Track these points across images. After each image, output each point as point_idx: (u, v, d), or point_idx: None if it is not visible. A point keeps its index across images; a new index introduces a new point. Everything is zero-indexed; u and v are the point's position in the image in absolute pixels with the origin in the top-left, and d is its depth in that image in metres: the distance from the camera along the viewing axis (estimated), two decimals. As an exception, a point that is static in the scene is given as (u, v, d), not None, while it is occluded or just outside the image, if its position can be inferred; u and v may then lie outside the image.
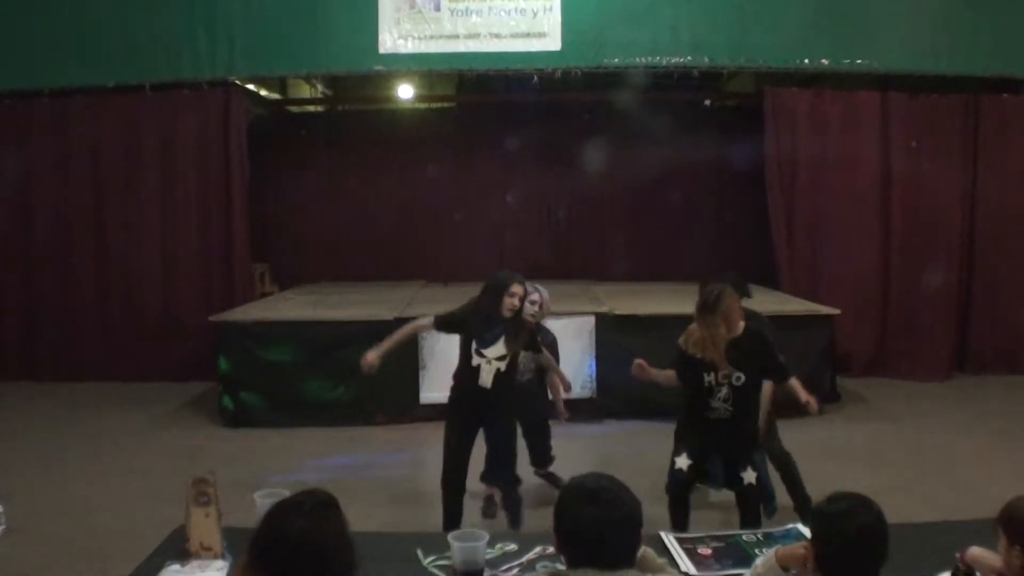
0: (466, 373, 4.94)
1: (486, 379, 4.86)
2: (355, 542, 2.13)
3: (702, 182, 11.92)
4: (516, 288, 4.82)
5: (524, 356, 5.45)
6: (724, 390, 4.52)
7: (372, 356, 4.98)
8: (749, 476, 4.58)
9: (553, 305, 8.57)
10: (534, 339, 5.25)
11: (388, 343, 5.09)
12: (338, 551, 2.07)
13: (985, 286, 10.13)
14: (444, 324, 5.10)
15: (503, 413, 5.06)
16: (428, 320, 5.16)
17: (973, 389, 9.45)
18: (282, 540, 2.03)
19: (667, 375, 4.72)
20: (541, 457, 6.18)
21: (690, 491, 4.69)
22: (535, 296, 5.48)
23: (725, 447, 4.61)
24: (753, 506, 4.64)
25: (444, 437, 5.06)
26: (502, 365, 4.89)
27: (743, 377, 4.50)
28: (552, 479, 6.10)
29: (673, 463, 4.64)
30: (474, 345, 4.87)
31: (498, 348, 4.86)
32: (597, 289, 9.90)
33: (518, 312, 4.90)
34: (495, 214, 12.21)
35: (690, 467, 4.56)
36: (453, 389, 5.11)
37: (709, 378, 4.52)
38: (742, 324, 4.62)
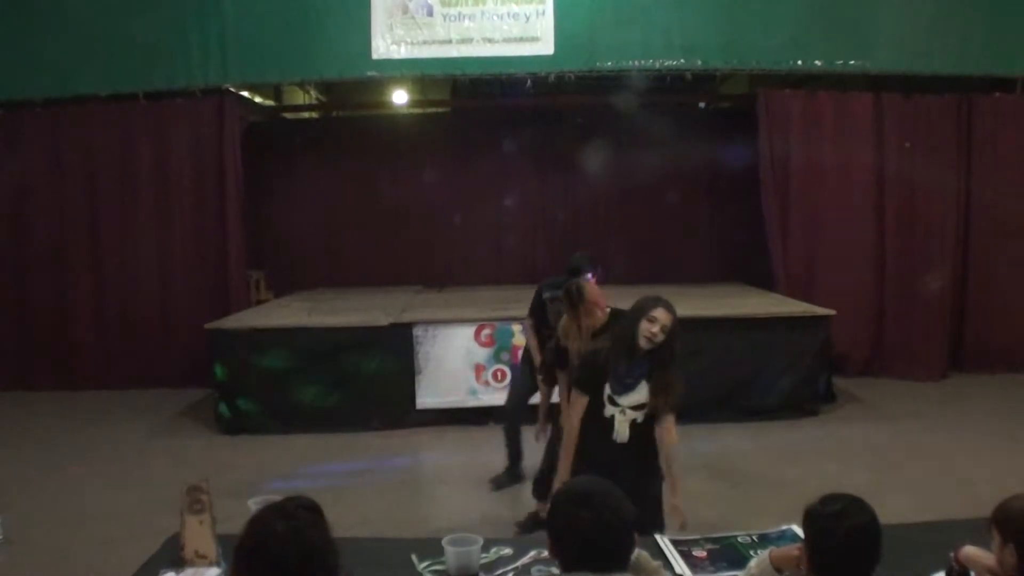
0: (594, 423, 3.94)
1: (621, 432, 3.89)
2: (338, 546, 2.14)
3: (697, 184, 11.93)
4: (658, 312, 3.81)
5: None
6: None
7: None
8: None
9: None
10: (669, 385, 3.92)
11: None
12: (321, 555, 2.08)
13: (980, 285, 10.15)
14: (586, 374, 4.03)
15: (646, 473, 3.98)
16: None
17: (969, 388, 9.45)
18: (264, 544, 2.04)
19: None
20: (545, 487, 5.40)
21: None
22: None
23: None
24: None
25: None
26: (639, 416, 3.89)
27: None
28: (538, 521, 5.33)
29: None
30: (607, 390, 3.89)
31: (638, 394, 3.89)
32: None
33: (664, 347, 3.84)
34: (490, 218, 12.20)
35: None
36: (582, 442, 4.05)
37: None
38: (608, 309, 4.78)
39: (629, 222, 11.96)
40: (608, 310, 4.80)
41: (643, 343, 3.80)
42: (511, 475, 6.44)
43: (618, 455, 3.84)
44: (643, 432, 3.91)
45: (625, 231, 11.93)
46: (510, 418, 6.49)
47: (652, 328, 3.78)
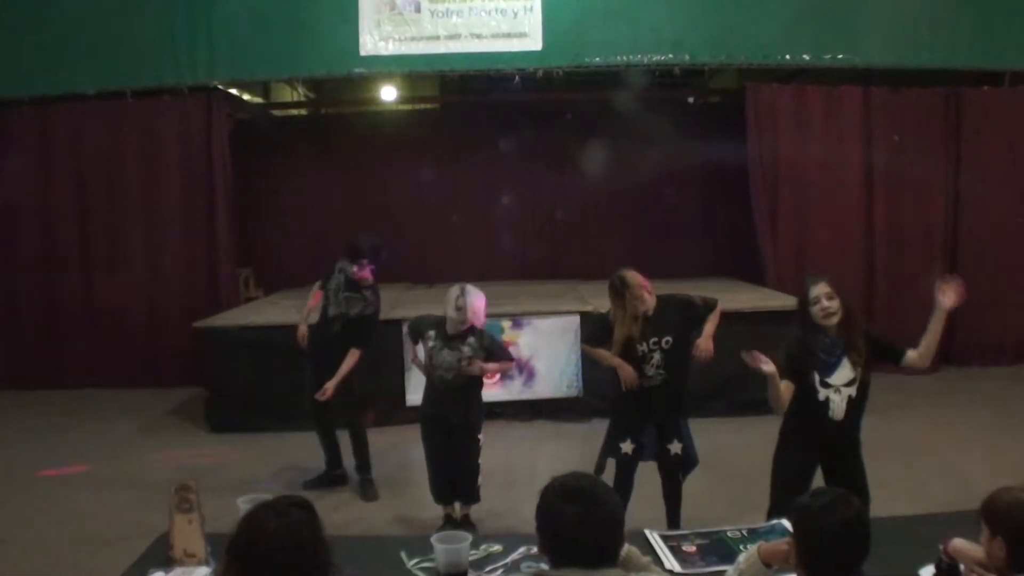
0: (808, 410, 4.07)
1: (838, 411, 4.04)
2: (331, 544, 2.15)
3: (687, 179, 11.92)
4: (818, 289, 4.05)
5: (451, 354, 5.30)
6: (656, 355, 4.76)
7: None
8: (675, 447, 4.90)
9: (540, 305, 8.65)
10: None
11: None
12: (314, 552, 2.09)
13: (970, 278, 10.04)
14: (791, 370, 4.08)
15: (855, 447, 4.23)
16: (771, 368, 3.94)
17: (959, 381, 9.48)
18: (258, 541, 2.05)
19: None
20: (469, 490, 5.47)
21: (634, 471, 4.92)
22: None
23: (658, 416, 4.86)
24: (674, 475, 5.01)
25: (777, 476, 4.27)
26: (853, 391, 4.04)
27: (671, 340, 4.75)
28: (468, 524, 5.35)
29: (618, 448, 4.87)
30: (816, 377, 4.04)
31: (845, 371, 4.05)
32: (584, 288, 9.88)
33: (846, 316, 4.05)
34: (480, 214, 12.19)
35: (634, 450, 4.84)
36: (792, 423, 4.24)
37: (641, 347, 4.76)
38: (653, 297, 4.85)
39: (619, 217, 11.96)
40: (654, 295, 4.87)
41: (827, 321, 4.02)
42: (331, 477, 6.48)
43: (835, 433, 4.07)
44: (857, 408, 4.09)
45: (615, 226, 11.93)
46: (319, 419, 6.42)
47: (820, 304, 4.02)
